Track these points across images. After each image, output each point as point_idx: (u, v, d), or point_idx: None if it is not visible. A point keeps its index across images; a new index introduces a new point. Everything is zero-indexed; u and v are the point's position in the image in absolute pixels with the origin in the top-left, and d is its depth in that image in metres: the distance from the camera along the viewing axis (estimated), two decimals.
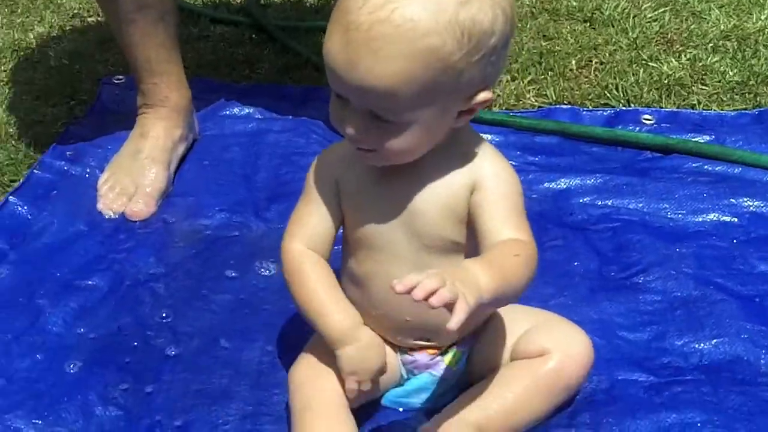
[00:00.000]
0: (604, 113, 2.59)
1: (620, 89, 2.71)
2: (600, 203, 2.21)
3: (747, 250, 2.04)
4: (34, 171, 2.30)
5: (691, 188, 2.23)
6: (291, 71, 2.86)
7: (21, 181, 2.28)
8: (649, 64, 2.84)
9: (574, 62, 2.87)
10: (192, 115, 2.43)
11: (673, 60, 2.85)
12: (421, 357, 1.65)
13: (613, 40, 3.01)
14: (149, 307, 1.93)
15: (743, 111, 2.58)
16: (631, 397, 1.69)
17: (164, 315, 1.91)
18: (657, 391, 1.70)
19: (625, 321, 1.87)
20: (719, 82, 2.73)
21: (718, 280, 1.96)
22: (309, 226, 1.60)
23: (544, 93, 2.72)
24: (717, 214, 2.16)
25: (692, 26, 3.09)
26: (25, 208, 2.19)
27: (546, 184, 2.26)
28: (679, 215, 2.17)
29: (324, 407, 1.56)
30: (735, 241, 2.08)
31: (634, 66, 2.84)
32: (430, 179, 1.52)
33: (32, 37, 3.09)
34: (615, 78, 2.77)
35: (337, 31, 1.38)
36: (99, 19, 3.16)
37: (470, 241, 1.53)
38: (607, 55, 2.92)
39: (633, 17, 3.16)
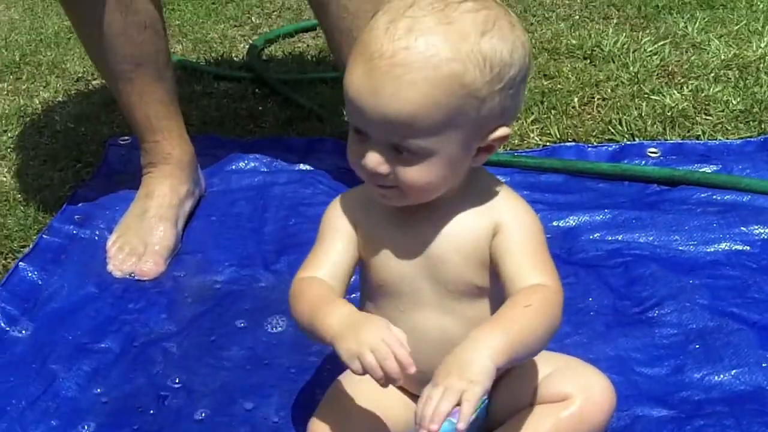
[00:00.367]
0: (609, 149, 2.58)
1: (624, 124, 2.71)
2: (610, 239, 2.20)
3: (761, 278, 2.03)
4: (43, 236, 2.30)
5: (701, 219, 2.22)
6: (294, 123, 2.87)
7: (30, 246, 2.28)
8: (652, 97, 2.84)
9: (576, 99, 2.87)
10: (197, 170, 2.43)
11: (675, 92, 2.85)
12: None
13: (615, 75, 3.01)
14: (162, 366, 1.92)
15: (748, 139, 2.58)
16: None
17: (177, 374, 1.90)
18: (679, 426, 1.68)
19: (642, 356, 1.85)
20: (723, 111, 2.73)
21: (733, 309, 1.95)
22: (321, 260, 1.57)
23: (548, 131, 2.72)
24: (728, 244, 2.15)
25: (693, 57, 3.10)
26: (36, 273, 2.19)
27: (554, 223, 2.26)
28: (691, 246, 2.16)
29: None
30: (748, 269, 2.07)
31: (636, 100, 2.84)
32: (450, 224, 1.51)
33: (38, 102, 3.11)
34: (618, 113, 2.77)
35: (360, 62, 1.39)
36: (103, 81, 3.18)
37: (494, 284, 1.53)
38: (609, 90, 2.92)
39: (633, 52, 3.17)
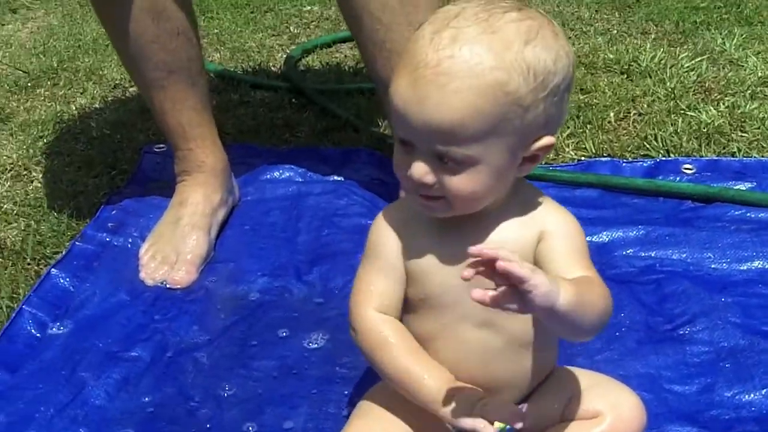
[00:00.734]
0: (644, 164, 2.57)
1: (659, 139, 2.69)
2: (643, 255, 2.20)
3: None
4: (76, 243, 2.32)
5: (735, 236, 2.21)
6: (330, 133, 2.87)
7: (63, 252, 2.29)
8: (688, 113, 2.83)
9: (612, 114, 2.86)
10: (230, 179, 2.44)
11: (711, 108, 2.84)
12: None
13: (651, 90, 3.00)
14: (192, 376, 1.93)
15: None
16: None
17: (207, 384, 1.90)
18: None
19: (672, 374, 1.84)
20: (759, 128, 2.72)
21: (765, 328, 1.93)
22: (378, 290, 1.57)
23: (584, 146, 2.71)
24: (761, 262, 2.14)
25: (729, 74, 3.09)
26: (68, 279, 2.20)
27: (588, 238, 2.21)
28: (724, 264, 2.14)
29: None
30: None
31: (672, 116, 2.83)
32: (494, 234, 1.51)
33: (74, 108, 3.14)
34: (654, 128, 2.76)
35: (406, 72, 1.40)
36: None
37: None
38: (645, 106, 2.91)
39: (670, 67, 3.15)
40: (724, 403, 1.77)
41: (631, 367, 1.86)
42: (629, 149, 2.68)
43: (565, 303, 1.33)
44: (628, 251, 2.21)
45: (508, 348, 1.53)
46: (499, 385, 1.57)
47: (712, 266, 2.14)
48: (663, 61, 3.20)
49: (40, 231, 2.41)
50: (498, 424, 1.48)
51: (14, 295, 2.18)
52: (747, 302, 2.01)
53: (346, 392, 1.85)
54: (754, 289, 2.05)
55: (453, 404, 1.49)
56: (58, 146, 2.87)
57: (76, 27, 3.98)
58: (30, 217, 2.49)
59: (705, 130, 2.72)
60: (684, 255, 2.18)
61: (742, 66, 3.15)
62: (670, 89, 2.99)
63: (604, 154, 2.67)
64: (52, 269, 2.22)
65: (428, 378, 1.52)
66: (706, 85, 3.03)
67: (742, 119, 2.77)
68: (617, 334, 1.95)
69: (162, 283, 2.21)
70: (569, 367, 1.69)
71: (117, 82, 3.32)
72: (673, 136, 2.70)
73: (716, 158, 2.58)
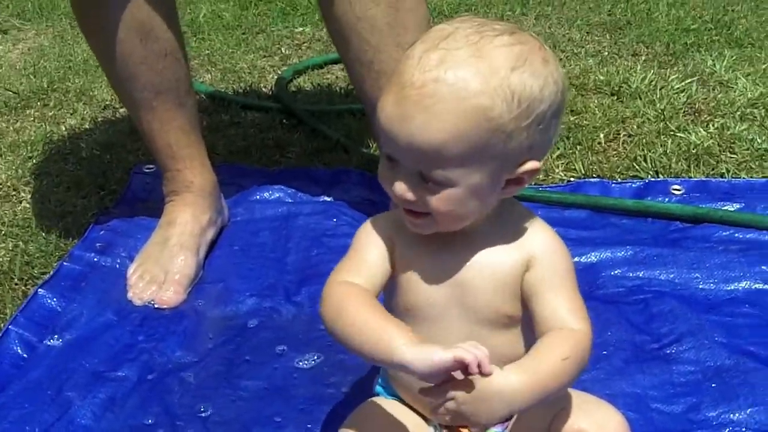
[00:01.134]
0: (633, 185, 2.58)
1: (649, 161, 2.70)
2: (631, 275, 2.20)
3: None
4: (64, 263, 2.31)
5: (722, 257, 2.21)
6: (321, 154, 2.87)
7: (51, 273, 2.29)
8: (677, 134, 2.84)
9: (602, 135, 2.87)
10: (219, 199, 2.44)
11: (701, 130, 2.85)
12: None
13: (641, 112, 3.01)
14: (179, 396, 1.92)
15: None
16: None
17: (193, 404, 1.90)
18: None
19: (658, 393, 1.85)
20: (748, 149, 2.72)
21: (751, 348, 1.94)
22: (358, 266, 1.53)
23: (573, 167, 2.71)
24: (749, 282, 2.14)
25: (719, 95, 3.10)
26: (55, 300, 2.19)
27: (576, 258, 2.24)
28: (711, 284, 2.15)
29: None
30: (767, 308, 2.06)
31: (662, 137, 2.83)
32: (483, 253, 1.51)
33: (64, 129, 3.14)
34: (643, 150, 2.77)
35: (393, 91, 1.41)
36: None
37: (525, 314, 1.52)
38: (635, 127, 2.92)
39: (660, 89, 3.16)
40: (709, 422, 1.77)
41: (617, 387, 1.86)
42: (619, 170, 2.69)
43: (525, 406, 1.38)
44: (616, 271, 2.21)
45: (493, 362, 1.53)
46: None
47: (700, 286, 2.15)
48: (653, 83, 3.21)
49: (28, 251, 2.41)
50: None
51: (1, 315, 2.17)
52: (733, 322, 2.01)
53: (333, 412, 1.84)
54: (740, 309, 2.06)
55: (415, 353, 1.38)
56: (47, 167, 2.87)
57: (67, 48, 3.98)
58: (18, 237, 2.48)
59: (694, 151, 2.73)
60: (672, 275, 2.18)
61: (732, 87, 3.16)
62: (660, 110, 3.00)
63: (594, 175, 2.68)
64: (39, 289, 2.21)
65: (390, 329, 1.42)
66: (696, 106, 3.04)
67: (732, 140, 2.78)
68: (604, 353, 1.95)
69: (150, 303, 2.20)
70: None
71: (107, 102, 3.32)
72: (662, 157, 2.71)
73: (705, 179, 2.59)
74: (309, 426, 1.82)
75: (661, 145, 2.78)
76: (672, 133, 2.85)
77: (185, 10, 4.29)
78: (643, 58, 3.52)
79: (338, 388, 1.92)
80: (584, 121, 2.97)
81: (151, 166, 2.72)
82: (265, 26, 4.15)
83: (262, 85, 3.49)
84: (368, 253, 1.55)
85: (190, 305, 2.21)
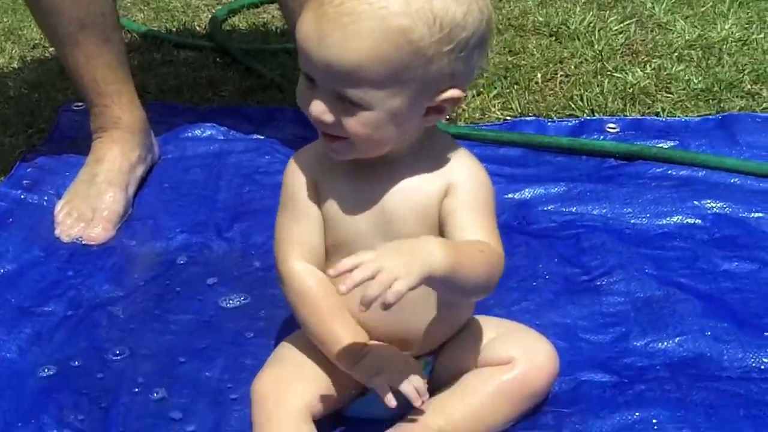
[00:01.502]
0: (569, 124, 2.58)
1: (585, 100, 2.70)
2: (564, 210, 2.20)
3: (710, 251, 2.03)
4: None
5: (655, 192, 2.22)
6: (255, 93, 2.84)
7: None
8: (614, 74, 2.83)
9: (539, 75, 2.86)
10: (149, 136, 2.40)
11: (638, 70, 2.85)
12: None
13: (579, 53, 3.00)
14: (106, 330, 1.89)
15: (707, 116, 2.57)
16: (594, 398, 1.67)
17: (121, 338, 1.87)
18: (620, 390, 1.68)
19: (588, 323, 1.85)
20: (684, 89, 2.73)
21: (681, 280, 1.95)
22: (299, 240, 1.56)
23: (510, 106, 2.71)
24: (680, 217, 2.15)
25: (657, 37, 3.10)
26: None
27: (510, 195, 2.24)
28: (643, 219, 2.16)
29: (286, 419, 1.52)
30: (698, 241, 2.08)
31: (599, 77, 2.83)
32: (406, 183, 1.50)
33: None
34: (580, 89, 2.76)
35: (311, 8, 1.38)
36: None
37: None
38: (572, 67, 2.91)
39: (598, 30, 3.15)
40: (637, 351, 1.78)
41: (547, 317, 1.86)
42: (555, 109, 2.68)
43: (442, 272, 1.34)
44: (549, 207, 2.21)
45: (422, 299, 1.52)
46: (413, 335, 1.58)
47: (632, 221, 2.16)
48: (592, 24, 3.20)
49: None
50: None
51: None
52: (664, 255, 2.02)
53: (263, 344, 1.82)
54: (671, 243, 2.07)
55: (364, 364, 1.51)
56: None
57: None
58: None
59: (630, 90, 2.73)
60: (604, 210, 2.19)
61: (671, 29, 3.16)
62: (597, 51, 2.99)
63: (530, 114, 2.67)
64: None
65: (344, 336, 1.52)
66: (634, 47, 3.03)
67: (668, 80, 2.78)
68: (534, 284, 1.96)
69: (78, 239, 2.17)
70: (485, 317, 1.69)
71: (36, 41, 3.25)
72: (598, 97, 2.70)
73: (640, 117, 2.59)
74: (239, 358, 1.80)
75: (597, 85, 2.77)
76: (609, 73, 2.85)
77: None
78: (583, 0, 3.50)
79: (268, 322, 1.90)
80: (522, 62, 2.96)
81: (80, 104, 2.66)
82: None
83: (195, 24, 3.43)
84: (305, 202, 1.55)
85: (118, 241, 2.17)
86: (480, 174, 1.52)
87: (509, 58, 3.00)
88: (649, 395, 1.66)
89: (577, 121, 2.58)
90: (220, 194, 2.33)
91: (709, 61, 2.89)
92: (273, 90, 2.84)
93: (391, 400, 1.47)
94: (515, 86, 2.81)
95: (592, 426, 1.61)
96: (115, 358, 1.82)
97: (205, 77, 2.93)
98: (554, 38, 3.15)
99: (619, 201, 2.20)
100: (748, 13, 3.27)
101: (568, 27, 3.19)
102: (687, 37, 3.07)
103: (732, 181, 2.28)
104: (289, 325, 1.83)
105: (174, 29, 3.38)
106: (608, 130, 2.52)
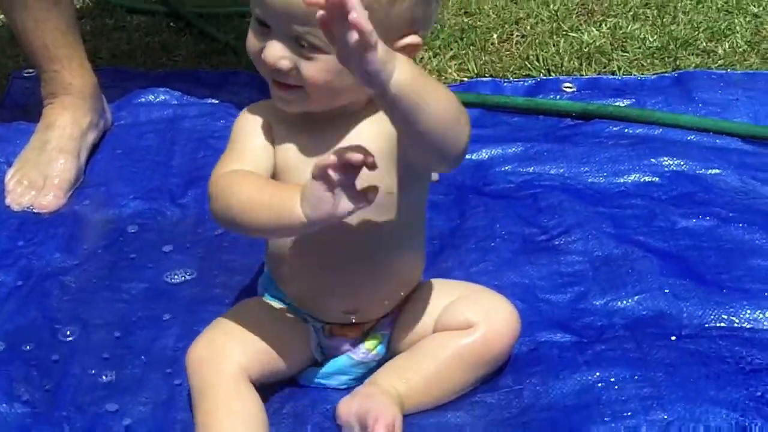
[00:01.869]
0: (525, 84, 2.57)
1: (541, 60, 2.69)
2: (521, 170, 2.19)
3: (668, 208, 2.03)
4: None
5: (612, 151, 2.22)
6: (209, 57, 2.80)
7: None
8: (570, 34, 2.82)
9: (495, 36, 2.84)
10: (101, 101, 2.36)
11: (593, 29, 2.84)
12: (340, 342, 1.62)
13: (534, 13, 2.99)
14: (57, 300, 1.86)
15: (663, 74, 2.57)
16: (554, 358, 1.66)
17: (73, 307, 1.84)
18: (580, 350, 1.67)
19: (546, 283, 1.85)
20: (639, 48, 2.73)
21: (639, 238, 1.95)
22: (237, 157, 1.49)
23: (466, 67, 2.69)
24: (638, 175, 2.16)
25: None
26: None
27: (468, 156, 2.20)
28: (600, 178, 2.16)
29: (223, 384, 1.49)
30: (655, 199, 2.08)
31: (554, 37, 2.82)
32: (357, 129, 1.48)
33: None
34: (536, 49, 2.75)
35: None
36: None
37: (404, 190, 1.50)
38: (528, 28, 2.90)
39: None
40: (596, 310, 1.78)
41: (506, 278, 1.85)
42: (511, 70, 2.67)
43: (402, 79, 1.26)
44: (506, 167, 2.20)
45: (371, 253, 1.51)
46: (364, 294, 1.56)
47: (589, 180, 2.16)
48: None
49: None
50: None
51: None
52: (622, 213, 2.02)
53: (217, 312, 1.79)
54: (629, 201, 2.07)
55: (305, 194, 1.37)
56: None
57: None
58: None
59: (586, 50, 2.72)
60: (561, 170, 2.19)
61: None
62: (553, 11, 2.98)
63: (486, 75, 2.65)
64: None
65: (283, 187, 1.45)
66: (589, 7, 3.02)
67: (624, 39, 2.78)
68: (492, 244, 1.95)
69: (28, 208, 2.12)
70: (442, 280, 1.68)
71: None
72: (554, 57, 2.69)
73: (596, 77, 2.59)
74: (194, 326, 1.76)
75: (553, 45, 2.76)
76: (565, 33, 2.84)
77: None
78: None
79: (224, 289, 1.88)
80: (478, 23, 2.94)
81: (30, 70, 2.61)
82: None
83: None
84: (248, 142, 1.51)
85: (70, 209, 2.13)
86: None
87: (465, 19, 2.98)
88: (609, 355, 1.65)
89: (533, 81, 2.57)
90: (174, 160, 2.30)
91: (665, 20, 2.89)
92: (227, 54, 2.80)
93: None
94: (471, 47, 2.79)
95: (553, 387, 1.61)
96: (67, 329, 1.79)
97: (158, 42, 2.89)
98: None
99: (576, 160, 2.20)
100: None
101: None
102: None
103: (688, 138, 2.28)
104: (243, 294, 1.82)
105: None
106: (564, 89, 2.51)
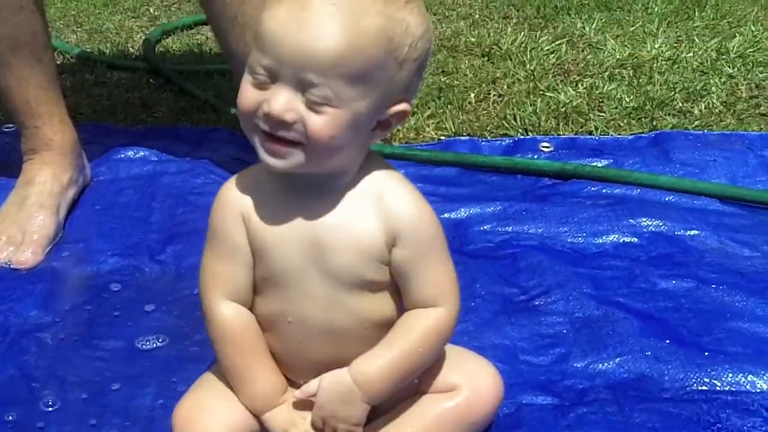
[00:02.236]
0: (503, 143, 2.59)
1: (518, 119, 2.71)
2: (500, 230, 2.20)
3: (647, 269, 2.04)
4: None
5: (590, 211, 2.23)
6: (189, 114, 2.82)
7: None
8: (547, 94, 2.85)
9: (473, 95, 2.87)
10: (81, 157, 2.36)
11: (570, 89, 2.86)
12: None
13: (511, 73, 3.02)
14: (35, 357, 1.84)
15: (640, 134, 2.59)
16: (536, 421, 1.65)
17: (50, 365, 1.82)
18: (562, 413, 1.66)
19: (527, 345, 1.84)
20: (616, 108, 2.75)
21: (619, 299, 1.95)
22: (225, 278, 1.51)
23: (444, 126, 2.71)
24: (617, 235, 2.17)
25: (589, 56, 3.13)
26: None
27: (446, 215, 2.23)
28: (579, 238, 2.17)
29: None
30: (635, 260, 2.08)
31: (531, 96, 2.85)
32: (343, 213, 1.45)
33: None
34: (513, 109, 2.78)
35: (283, 1, 1.34)
36: None
37: (391, 279, 1.49)
38: (505, 87, 2.93)
39: (530, 50, 3.18)
40: (578, 372, 1.77)
41: (486, 339, 1.85)
42: (488, 129, 2.70)
43: (380, 399, 1.48)
44: (485, 227, 2.21)
45: (357, 327, 1.49)
46: (349, 363, 1.54)
47: (568, 240, 2.16)
48: (524, 45, 3.23)
49: None
50: None
51: None
52: (601, 274, 2.03)
53: (196, 370, 1.78)
54: (608, 262, 2.08)
55: (274, 416, 1.52)
56: None
57: None
58: None
59: (563, 109, 2.75)
60: (540, 230, 2.19)
61: (601, 49, 3.20)
62: (530, 71, 3.01)
63: (464, 134, 2.67)
64: None
65: (261, 378, 1.52)
66: (566, 67, 3.06)
67: (600, 99, 2.81)
68: (473, 304, 1.94)
69: (6, 263, 2.12)
70: None
71: None
72: (531, 116, 2.72)
73: (573, 136, 2.61)
74: (174, 381, 1.77)
75: (530, 105, 2.79)
76: (541, 92, 2.87)
77: None
78: (514, 20, 3.53)
79: (202, 347, 1.85)
80: (455, 82, 2.98)
81: (10, 125, 2.62)
82: None
83: (129, 45, 3.41)
84: (228, 238, 1.50)
85: (48, 265, 2.12)
86: (426, 214, 1.48)
87: (442, 78, 3.01)
88: (591, 418, 1.64)
89: (510, 141, 2.60)
90: (153, 216, 2.30)
91: (641, 80, 2.93)
92: (207, 111, 2.82)
93: None
94: (449, 106, 2.82)
95: None
96: (45, 387, 1.76)
97: (139, 98, 2.90)
98: (486, 58, 3.17)
99: (555, 220, 2.21)
100: (676, 32, 3.33)
101: (500, 47, 3.22)
102: (618, 56, 3.11)
103: (667, 199, 2.30)
104: None
105: (107, 51, 3.34)
106: (542, 149, 2.53)
